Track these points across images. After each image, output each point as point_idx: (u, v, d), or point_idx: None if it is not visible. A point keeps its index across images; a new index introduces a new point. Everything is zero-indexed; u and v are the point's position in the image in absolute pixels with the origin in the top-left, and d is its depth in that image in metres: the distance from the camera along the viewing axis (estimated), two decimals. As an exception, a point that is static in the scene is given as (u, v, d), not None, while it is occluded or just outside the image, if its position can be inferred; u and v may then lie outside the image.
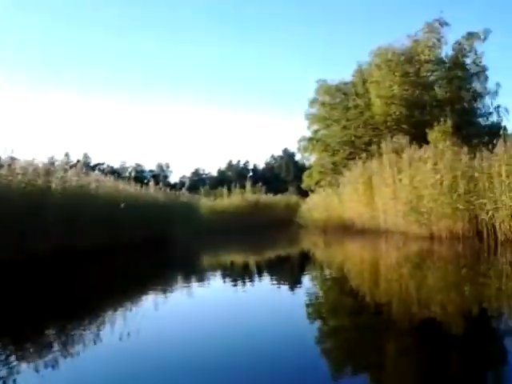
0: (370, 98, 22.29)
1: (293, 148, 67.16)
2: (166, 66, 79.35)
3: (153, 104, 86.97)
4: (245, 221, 28.58)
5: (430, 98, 21.57)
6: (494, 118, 23.46)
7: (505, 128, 21.70)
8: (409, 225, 12.23)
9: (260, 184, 38.13)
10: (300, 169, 62.38)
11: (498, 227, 9.70)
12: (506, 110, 23.41)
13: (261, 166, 66.67)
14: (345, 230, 18.24)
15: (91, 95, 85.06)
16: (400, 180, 14.26)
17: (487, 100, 23.50)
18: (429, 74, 22.19)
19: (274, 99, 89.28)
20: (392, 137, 18.40)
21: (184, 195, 22.50)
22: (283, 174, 61.60)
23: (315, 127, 26.61)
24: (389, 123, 21.00)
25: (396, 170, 14.60)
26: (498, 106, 23.55)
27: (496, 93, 23.52)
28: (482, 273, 7.50)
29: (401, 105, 20.59)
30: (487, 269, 7.86)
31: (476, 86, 23.00)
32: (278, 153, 66.34)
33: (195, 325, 4.53)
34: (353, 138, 22.43)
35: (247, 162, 66.12)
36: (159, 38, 74.67)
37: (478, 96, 23.13)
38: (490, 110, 23.71)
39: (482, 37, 22.11)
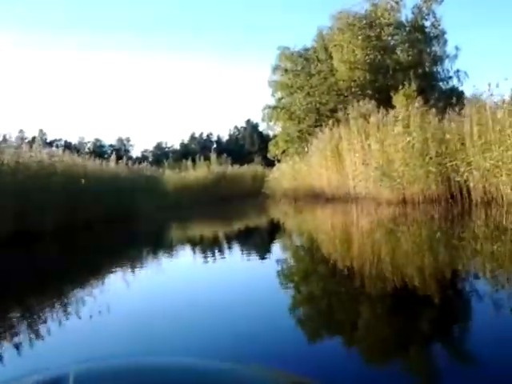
0: (333, 63, 21.86)
1: (256, 119, 66.36)
2: (124, 33, 75.96)
3: (110, 75, 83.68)
4: (212, 193, 28.03)
5: (393, 62, 21.27)
6: (453, 82, 23.58)
7: (462, 92, 22.04)
8: (380, 190, 11.98)
9: (225, 155, 37.42)
10: (264, 139, 61.87)
11: (472, 189, 9.52)
12: (466, 74, 23.49)
13: (224, 137, 65.74)
14: (314, 198, 17.97)
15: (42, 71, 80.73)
16: (369, 145, 13.96)
17: (447, 64, 23.55)
18: (390, 37, 21.82)
19: (234, 69, 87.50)
20: (358, 102, 18.08)
21: (147, 169, 21.61)
22: (247, 145, 60.93)
23: (279, 95, 26.00)
24: (353, 89, 20.63)
25: (364, 136, 14.28)
26: (458, 70, 23.60)
27: (455, 56, 23.53)
28: (456, 235, 7.28)
29: (364, 69, 20.23)
30: (461, 231, 7.66)
31: (436, 49, 22.88)
32: (242, 124, 65.52)
33: (167, 299, 4.38)
34: (317, 105, 21.98)
35: (210, 133, 65.03)
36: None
37: (438, 60, 23.03)
38: (450, 74, 23.80)
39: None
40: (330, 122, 17.55)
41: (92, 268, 6.66)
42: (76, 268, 6.85)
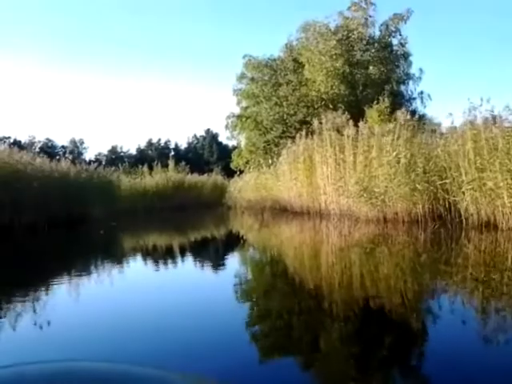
0: (305, 73, 21.09)
1: (216, 128, 65.07)
2: (76, 32, 72.91)
3: (65, 75, 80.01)
4: (169, 201, 26.43)
5: (364, 78, 20.74)
6: (417, 104, 23.40)
7: (424, 115, 21.86)
8: (358, 206, 10.98)
9: (183, 163, 35.76)
10: (224, 150, 60.60)
11: (463, 210, 8.66)
12: (429, 96, 23.40)
13: (183, 145, 63.76)
14: (281, 211, 16.86)
15: (-4, 63, 76.01)
16: (343, 159, 13.03)
17: (411, 85, 23.38)
18: (362, 52, 21.31)
19: (195, 77, 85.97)
20: (331, 113, 17.33)
21: (101, 172, 19.75)
22: (206, 155, 59.37)
23: (244, 104, 24.92)
24: (324, 101, 19.84)
25: (338, 148, 13.35)
26: (422, 92, 23.50)
27: (419, 78, 23.43)
28: (444, 261, 6.44)
29: (339, 82, 19.51)
30: (451, 256, 6.79)
31: (402, 69, 22.65)
32: (201, 133, 63.88)
33: (105, 309, 4.14)
34: (285, 116, 21.00)
35: (168, 140, 62.83)
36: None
37: (404, 79, 22.82)
38: (414, 96, 23.65)
39: (405, 17, 21.57)
40: (303, 132, 16.59)
41: (27, 277, 6.02)
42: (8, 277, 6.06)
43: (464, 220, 8.78)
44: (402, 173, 9.67)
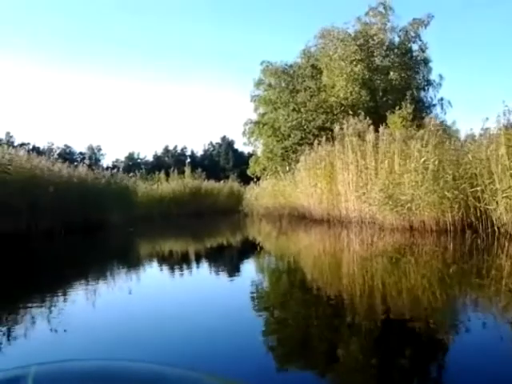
0: (324, 79, 20.79)
1: (232, 136, 65.02)
2: (95, 39, 73.70)
3: (83, 81, 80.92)
4: (186, 207, 26.24)
5: (384, 84, 20.32)
6: (437, 111, 22.82)
7: (444, 121, 21.28)
8: (383, 214, 10.55)
9: (200, 170, 35.57)
10: (239, 157, 60.44)
11: (496, 219, 8.18)
12: (449, 103, 22.82)
13: (199, 152, 63.80)
14: (300, 219, 16.47)
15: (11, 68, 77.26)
16: (365, 165, 12.63)
17: (431, 92, 22.85)
18: (382, 58, 20.89)
19: (212, 83, 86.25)
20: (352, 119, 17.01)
21: (118, 178, 19.62)
22: (222, 162, 59.25)
23: (261, 110, 24.65)
24: (343, 107, 19.45)
25: (359, 154, 12.96)
26: (442, 99, 22.95)
27: (440, 85, 22.90)
28: (472, 270, 6.07)
29: (359, 87, 19.13)
30: (484, 268, 6.32)
31: (423, 75, 22.17)
32: (217, 140, 63.85)
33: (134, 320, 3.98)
34: (303, 123, 20.64)
35: (185, 147, 62.91)
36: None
37: (425, 85, 22.32)
38: (434, 102, 23.11)
39: (425, 22, 21.09)
40: (323, 138, 16.23)
41: (45, 284, 6.00)
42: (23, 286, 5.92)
43: (497, 229, 8.30)
44: (429, 180, 9.22)
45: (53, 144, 52.60)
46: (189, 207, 26.88)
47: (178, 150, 61.79)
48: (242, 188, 34.14)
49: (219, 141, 62.70)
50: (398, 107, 16.07)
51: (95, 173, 18.04)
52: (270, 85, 23.65)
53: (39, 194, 13.08)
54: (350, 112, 19.02)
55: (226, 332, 3.49)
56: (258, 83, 24.33)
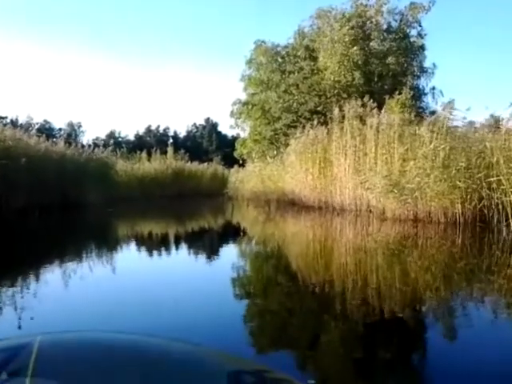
0: (315, 62, 19.87)
1: (216, 118, 63.58)
2: (78, 13, 70.87)
3: (64, 54, 77.87)
4: (168, 189, 25.23)
5: (380, 68, 19.51)
6: (428, 100, 22.14)
7: (434, 112, 20.66)
8: (384, 203, 9.80)
9: (183, 151, 34.35)
10: (223, 139, 59.20)
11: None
12: (441, 93, 22.15)
13: (182, 134, 62.20)
14: (289, 204, 15.66)
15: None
16: (363, 151, 11.86)
17: (422, 80, 22.13)
18: (377, 41, 20.04)
19: (196, 64, 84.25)
20: (342, 105, 16.22)
21: (98, 155, 18.42)
22: (205, 144, 57.92)
23: (251, 90, 23.58)
24: (337, 90, 18.59)
25: (358, 139, 12.19)
26: (434, 88, 22.27)
27: (432, 73, 22.23)
28: (482, 269, 5.37)
29: (353, 70, 18.26)
30: (491, 263, 5.69)
31: (419, 61, 21.41)
32: (200, 122, 62.31)
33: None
34: (295, 105, 19.71)
35: (167, 128, 61.20)
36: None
37: (421, 73, 21.59)
38: (426, 91, 22.43)
39: (426, 7, 20.21)
40: (315, 122, 15.36)
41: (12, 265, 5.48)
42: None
43: (513, 224, 7.65)
44: (439, 167, 8.48)
45: (32, 119, 50.41)
46: (171, 189, 25.92)
47: (161, 130, 60.13)
48: (226, 171, 33.23)
49: (203, 122, 61.29)
50: (397, 92, 15.29)
51: (74, 148, 16.85)
52: (261, 64, 22.57)
53: (12, 169, 11.92)
54: (344, 95, 18.22)
55: (205, 312, 3.46)
56: (249, 62, 23.22)
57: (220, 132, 59.58)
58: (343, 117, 13.43)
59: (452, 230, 8.38)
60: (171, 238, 9.05)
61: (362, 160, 11.70)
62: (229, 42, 74.18)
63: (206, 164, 33.51)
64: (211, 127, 59.24)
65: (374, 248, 7.00)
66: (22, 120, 48.67)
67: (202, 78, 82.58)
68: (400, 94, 15.05)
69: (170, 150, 32.97)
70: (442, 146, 8.48)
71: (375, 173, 10.26)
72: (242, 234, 9.82)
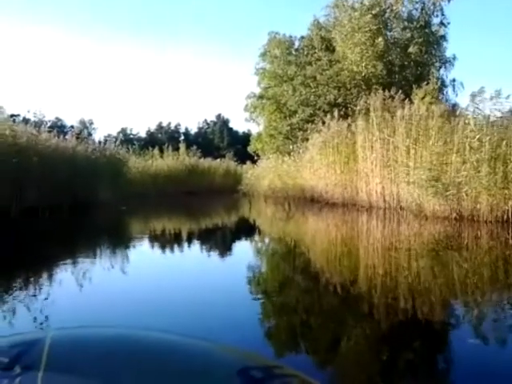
0: (333, 53, 18.98)
1: (227, 114, 62.81)
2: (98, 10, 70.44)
3: (76, 53, 77.61)
4: (181, 186, 24.50)
5: (401, 58, 18.53)
6: (448, 92, 21.06)
7: (455, 104, 19.62)
8: (423, 199, 8.92)
9: (195, 148, 33.60)
10: (235, 136, 58.39)
11: None
12: (462, 85, 21.06)
13: (193, 130, 61.48)
14: (309, 201, 14.82)
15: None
16: (393, 144, 10.98)
17: (442, 71, 21.08)
18: (398, 30, 19.06)
19: (207, 61, 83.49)
20: (365, 96, 15.35)
21: (111, 150, 17.70)
22: (217, 141, 57.17)
23: (266, 84, 22.72)
24: (357, 81, 17.66)
25: (387, 131, 11.31)
26: (454, 80, 21.22)
27: (452, 65, 21.18)
28: None
29: (374, 61, 17.32)
30: None
31: (440, 51, 20.36)
32: (212, 118, 61.48)
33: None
34: (312, 98, 18.80)
35: (178, 124, 60.51)
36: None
37: (442, 63, 20.55)
38: (446, 83, 21.38)
39: None
40: (335, 114, 14.50)
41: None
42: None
43: None
44: (487, 160, 7.59)
45: (44, 116, 50.02)
46: (184, 185, 25.23)
47: (172, 126, 59.50)
48: (239, 167, 32.47)
49: (214, 119, 60.51)
50: (425, 83, 14.36)
51: (85, 144, 16.14)
52: (275, 57, 21.69)
53: (22, 167, 11.22)
54: (364, 87, 17.31)
55: (222, 307, 3.40)
56: (263, 55, 22.35)
57: (231, 128, 58.84)
58: (367, 109, 12.60)
59: (502, 229, 7.49)
60: (192, 239, 8.31)
61: (392, 154, 10.82)
62: (240, 35, 73.31)
63: (218, 160, 32.73)
64: (222, 123, 58.46)
65: (415, 249, 6.18)
66: (34, 117, 48.39)
67: (214, 73, 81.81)
68: (427, 84, 14.10)
69: (182, 146, 32.24)
70: (489, 137, 7.59)
71: (407, 167, 9.38)
72: (263, 233, 9.08)
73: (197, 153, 32.02)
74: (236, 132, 59.16)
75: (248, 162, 34.20)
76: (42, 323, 2.89)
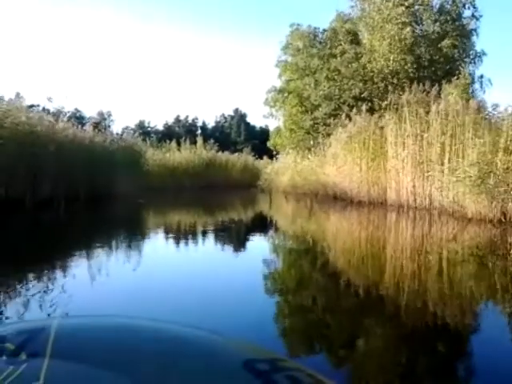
0: (359, 45, 18.23)
1: (244, 109, 62.20)
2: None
3: (95, 43, 77.73)
4: (199, 180, 24.08)
5: (430, 52, 17.69)
6: (475, 89, 20.09)
7: (482, 101, 18.68)
8: (462, 200, 8.24)
9: (212, 141, 33.09)
10: (251, 131, 57.80)
11: None
12: (490, 82, 20.08)
13: (210, 124, 61.04)
14: (333, 199, 14.17)
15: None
16: (428, 141, 10.30)
17: (470, 67, 20.11)
18: (429, 23, 18.20)
19: (225, 55, 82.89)
20: (387, 91, 14.72)
21: (129, 141, 17.27)
22: (234, 135, 56.65)
23: (287, 77, 22.04)
24: (384, 75, 16.89)
25: (420, 128, 10.62)
26: (482, 76, 20.25)
27: (480, 61, 20.22)
28: None
29: (403, 54, 16.54)
30: None
31: (469, 46, 19.42)
32: (229, 112, 60.96)
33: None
34: (337, 92, 18.08)
35: (196, 118, 60.12)
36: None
37: (472, 58, 19.62)
38: (474, 80, 20.43)
39: None
40: (363, 108, 13.84)
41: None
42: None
43: None
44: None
45: (63, 107, 50.07)
46: (201, 179, 24.81)
47: (189, 120, 59.13)
48: (257, 162, 31.95)
49: (231, 113, 59.97)
50: (455, 78, 13.59)
51: (103, 134, 15.73)
52: (298, 49, 20.98)
53: (39, 157, 10.80)
54: (392, 81, 16.56)
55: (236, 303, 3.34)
56: (286, 47, 21.66)
57: (248, 123, 58.27)
58: (398, 103, 11.93)
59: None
60: (212, 235, 7.75)
61: (426, 151, 10.13)
62: (261, 28, 72.42)
63: (236, 154, 32.20)
64: (240, 118, 57.91)
65: (452, 254, 5.54)
66: (53, 108, 48.43)
67: (231, 67, 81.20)
68: (457, 79, 13.33)
69: (199, 139, 31.80)
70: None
71: (442, 165, 8.69)
72: (286, 231, 8.52)
73: (214, 147, 31.54)
74: (253, 127, 58.57)
75: (265, 158, 33.68)
76: (53, 313, 2.84)
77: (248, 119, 58.65)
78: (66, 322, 0.86)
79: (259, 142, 50.82)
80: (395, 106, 11.54)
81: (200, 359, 0.73)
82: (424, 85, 12.51)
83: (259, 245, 6.99)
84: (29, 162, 10.41)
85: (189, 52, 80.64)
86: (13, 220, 8.69)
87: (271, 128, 26.55)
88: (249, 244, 7.03)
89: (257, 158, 33.57)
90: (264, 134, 55.74)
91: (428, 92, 11.66)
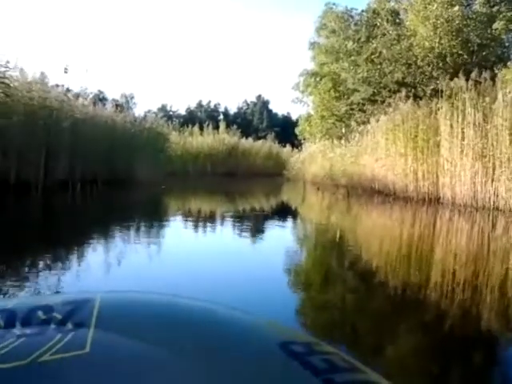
0: (402, 26, 16.67)
1: (267, 95, 60.61)
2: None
3: (118, 25, 76.78)
4: (222, 166, 23.03)
5: (480, 36, 16.00)
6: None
7: None
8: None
9: (235, 127, 31.83)
10: (274, 118, 56.36)
11: None
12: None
13: (232, 110, 59.74)
14: (370, 192, 12.85)
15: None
16: (485, 132, 8.91)
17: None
18: (481, 4, 16.48)
19: (250, 39, 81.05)
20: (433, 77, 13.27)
21: (152, 122, 16.15)
22: (256, 122, 55.27)
23: (321, 60, 20.55)
24: (430, 59, 15.32)
25: (479, 117, 9.21)
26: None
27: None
28: None
29: (450, 36, 14.93)
30: None
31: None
32: (251, 99, 59.48)
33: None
34: (377, 75, 16.54)
35: (218, 104, 58.89)
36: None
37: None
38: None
39: None
40: (403, 94, 12.48)
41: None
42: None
43: None
44: None
45: (87, 88, 49.37)
46: (225, 166, 23.73)
47: (212, 105, 57.91)
48: (280, 150, 30.72)
49: (254, 99, 58.50)
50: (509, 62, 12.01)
51: (125, 115, 14.66)
52: (333, 31, 19.44)
53: (52, 131, 9.76)
54: (438, 64, 15.01)
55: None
56: (320, 28, 20.15)
57: (271, 110, 56.86)
58: (448, 90, 10.53)
59: None
60: (242, 229, 6.57)
61: (491, 143, 8.74)
62: (289, 9, 70.29)
63: (260, 141, 30.93)
64: (262, 104, 56.46)
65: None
66: (77, 90, 47.75)
67: (254, 52, 79.42)
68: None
69: (222, 124, 30.68)
70: None
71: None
72: (327, 229, 7.24)
73: (237, 133, 30.31)
74: (275, 114, 57.16)
75: (288, 146, 32.35)
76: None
77: (270, 106, 57.22)
78: (109, 295, 0.86)
79: (281, 129, 49.51)
80: (448, 93, 10.13)
81: (239, 339, 0.73)
82: (479, 70, 11.03)
83: (291, 238, 6.37)
84: (42, 140, 9.39)
85: (213, 36, 79.15)
86: (22, 204, 7.68)
87: (293, 116, 25.20)
88: (278, 237, 6.14)
89: (280, 146, 32.31)
90: (286, 121, 54.41)
91: (483, 79, 10.20)
